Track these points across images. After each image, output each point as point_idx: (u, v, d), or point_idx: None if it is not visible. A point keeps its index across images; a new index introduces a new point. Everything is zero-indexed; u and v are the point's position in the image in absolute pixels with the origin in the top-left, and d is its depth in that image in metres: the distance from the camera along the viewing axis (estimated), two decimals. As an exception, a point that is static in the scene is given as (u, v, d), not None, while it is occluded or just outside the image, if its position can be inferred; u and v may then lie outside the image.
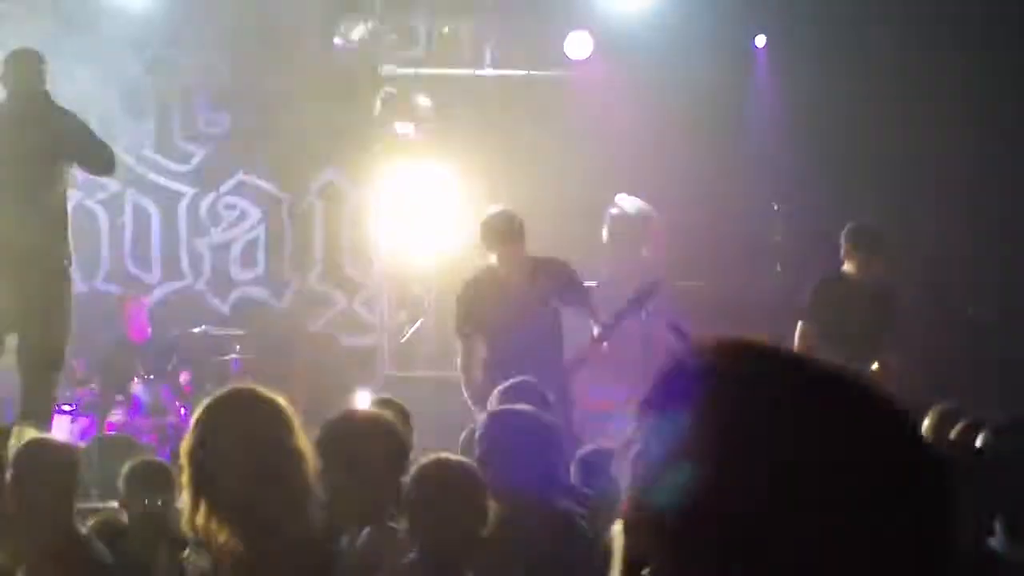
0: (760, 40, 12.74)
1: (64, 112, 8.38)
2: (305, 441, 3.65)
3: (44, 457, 5.23)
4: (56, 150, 8.18)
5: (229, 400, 3.74)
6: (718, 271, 11.95)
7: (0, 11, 11.42)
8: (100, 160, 8.48)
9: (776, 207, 12.47)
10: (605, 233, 12.27)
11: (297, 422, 3.69)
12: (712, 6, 12.13)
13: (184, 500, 3.65)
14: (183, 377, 11.23)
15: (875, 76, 11.88)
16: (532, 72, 12.59)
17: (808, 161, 12.12)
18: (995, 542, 4.46)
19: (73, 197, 9.63)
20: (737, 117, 12.59)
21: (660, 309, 8.98)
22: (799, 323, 8.90)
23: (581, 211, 12.11)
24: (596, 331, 8.66)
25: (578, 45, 12.53)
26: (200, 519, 3.58)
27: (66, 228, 8.34)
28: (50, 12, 11.44)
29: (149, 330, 11.55)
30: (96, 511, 6.39)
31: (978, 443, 5.05)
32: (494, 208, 8.92)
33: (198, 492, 3.57)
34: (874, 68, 11.89)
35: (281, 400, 3.71)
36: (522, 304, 8.41)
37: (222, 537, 3.57)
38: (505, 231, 8.59)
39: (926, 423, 6.23)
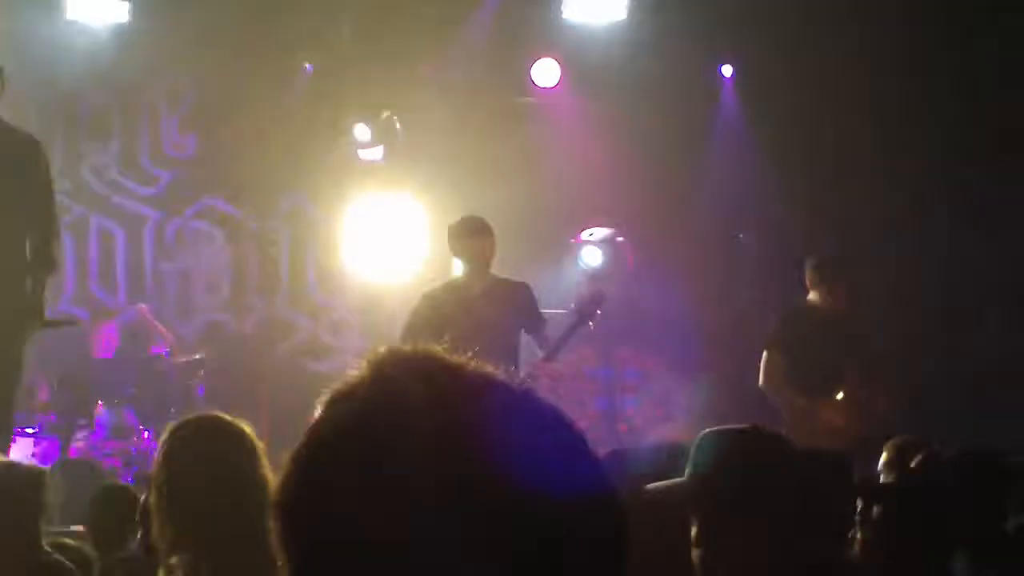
0: (727, 70, 12.79)
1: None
2: (269, 469, 3.64)
3: (10, 481, 5.20)
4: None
5: (194, 426, 3.74)
6: (684, 297, 11.98)
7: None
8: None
9: (739, 236, 12.52)
10: (580, 262, 12.33)
11: (261, 449, 3.68)
12: (679, 33, 12.17)
13: (150, 524, 3.64)
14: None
15: (842, 103, 11.93)
16: (500, 100, 12.60)
17: (774, 188, 12.17)
18: (957, 569, 4.48)
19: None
20: (702, 144, 12.63)
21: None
22: (765, 354, 8.91)
23: (549, 238, 12.15)
24: (542, 354, 8.72)
25: (545, 72, 12.56)
26: (164, 544, 3.57)
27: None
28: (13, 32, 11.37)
29: (113, 351, 11.51)
30: (61, 535, 6.35)
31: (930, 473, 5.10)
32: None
33: (162, 517, 3.57)
34: (842, 95, 11.94)
35: (246, 427, 3.71)
36: (481, 318, 8.38)
37: (184, 563, 3.56)
38: (474, 226, 8.60)
39: (883, 455, 6.24)
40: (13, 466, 5.58)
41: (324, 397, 1.40)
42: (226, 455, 3.60)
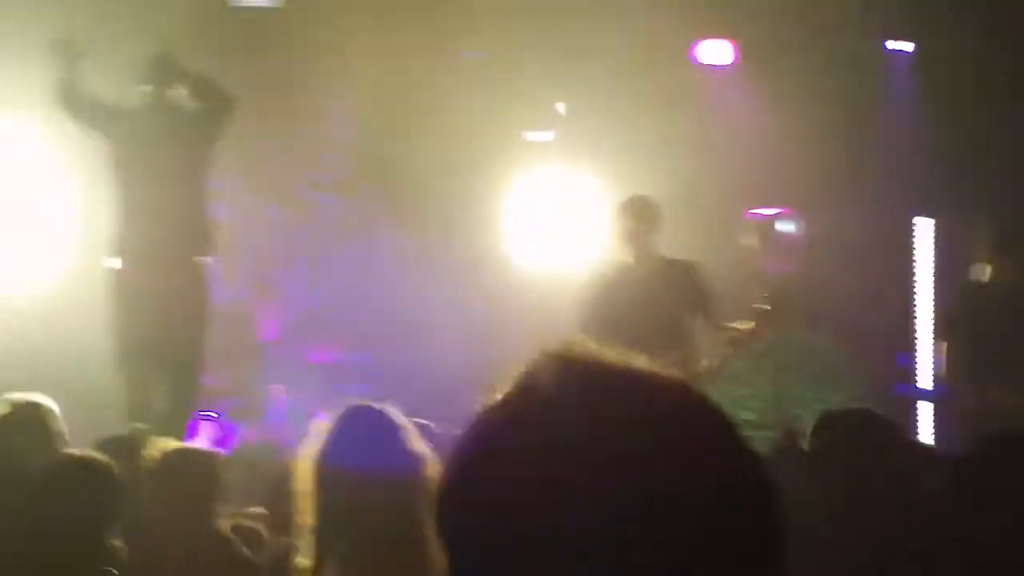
0: (896, 45, 12.56)
1: None
2: (426, 458, 3.66)
3: (187, 466, 5.32)
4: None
5: (350, 415, 3.78)
6: (853, 284, 11.83)
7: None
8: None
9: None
10: (744, 242, 12.22)
11: (416, 438, 3.70)
12: (847, 7, 11.98)
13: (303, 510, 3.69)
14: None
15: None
16: (668, 77, 12.50)
17: (950, 169, 11.96)
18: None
19: (213, 207, 9.79)
20: (873, 122, 12.44)
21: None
22: (946, 342, 8.68)
23: (719, 217, 12.06)
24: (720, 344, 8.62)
25: (715, 50, 12.47)
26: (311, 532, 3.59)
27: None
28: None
29: (280, 333, 11.64)
30: (239, 516, 6.49)
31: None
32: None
33: (316, 507, 3.60)
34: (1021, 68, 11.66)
35: (400, 415, 3.74)
36: (650, 301, 8.33)
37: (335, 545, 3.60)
38: (640, 206, 8.56)
39: None
40: (191, 451, 5.72)
41: (489, 394, 1.42)
42: (381, 447, 3.64)
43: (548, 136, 12.55)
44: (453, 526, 1.35)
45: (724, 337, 8.91)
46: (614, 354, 1.39)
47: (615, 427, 1.30)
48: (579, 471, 1.28)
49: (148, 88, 8.56)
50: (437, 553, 1.36)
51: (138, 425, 7.52)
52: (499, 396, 1.39)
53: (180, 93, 8.61)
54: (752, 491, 1.32)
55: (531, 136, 12.55)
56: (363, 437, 3.68)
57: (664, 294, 8.42)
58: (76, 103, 8.46)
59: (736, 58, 12.43)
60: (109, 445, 5.94)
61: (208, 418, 10.71)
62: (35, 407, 5.59)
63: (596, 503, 1.27)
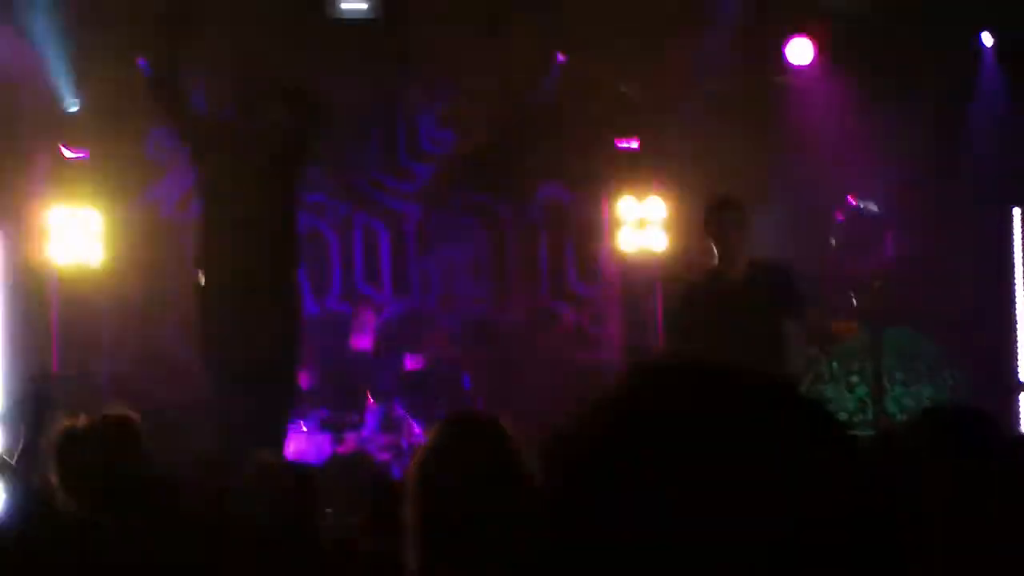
0: (987, 38, 12.42)
1: None
2: (527, 466, 3.66)
3: (282, 482, 5.35)
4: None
5: (451, 424, 3.79)
6: (949, 279, 11.72)
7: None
8: None
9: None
10: (835, 240, 12.12)
11: (519, 446, 3.70)
12: (934, 2, 11.87)
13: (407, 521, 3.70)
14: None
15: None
16: (754, 79, 12.44)
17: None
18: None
19: (304, 219, 9.87)
20: (961, 118, 12.31)
21: None
22: None
23: (805, 218, 11.99)
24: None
25: (799, 51, 12.39)
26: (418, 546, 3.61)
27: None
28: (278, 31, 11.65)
29: (373, 341, 11.67)
30: (335, 528, 6.52)
31: None
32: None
33: (419, 518, 3.61)
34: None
35: (502, 423, 3.73)
36: (741, 307, 8.26)
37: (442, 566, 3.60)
38: (729, 207, 8.49)
39: None
40: (285, 467, 5.75)
41: (586, 402, 1.41)
42: (482, 453, 3.64)
43: (634, 143, 12.52)
44: (555, 535, 1.34)
45: (818, 337, 8.84)
46: (713, 362, 1.38)
47: (722, 440, 1.29)
48: (682, 488, 1.27)
49: (242, 102, 8.59)
50: (540, 556, 1.35)
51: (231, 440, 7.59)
52: (597, 407, 1.38)
53: (274, 107, 8.62)
54: (869, 504, 1.30)
55: (622, 143, 12.52)
56: (466, 444, 3.68)
57: (758, 297, 8.34)
58: (176, 108, 8.48)
59: (820, 56, 12.33)
60: (203, 461, 5.98)
61: (304, 430, 10.79)
62: (125, 422, 5.63)
63: (705, 519, 1.26)
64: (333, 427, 10.93)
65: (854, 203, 12.12)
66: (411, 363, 11.63)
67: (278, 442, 8.21)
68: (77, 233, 11.82)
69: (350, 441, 10.93)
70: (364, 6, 11.56)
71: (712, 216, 8.55)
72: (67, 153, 11.95)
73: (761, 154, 11.75)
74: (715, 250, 8.54)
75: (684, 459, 1.28)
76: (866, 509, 1.29)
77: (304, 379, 10.17)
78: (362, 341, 11.62)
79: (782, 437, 1.31)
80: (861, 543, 1.28)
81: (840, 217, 12.21)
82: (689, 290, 8.68)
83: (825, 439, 1.32)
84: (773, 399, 1.34)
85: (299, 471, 5.68)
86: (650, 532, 1.27)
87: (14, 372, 11.22)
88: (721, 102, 12.08)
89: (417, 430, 10.71)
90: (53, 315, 12.10)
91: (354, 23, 11.74)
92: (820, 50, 12.32)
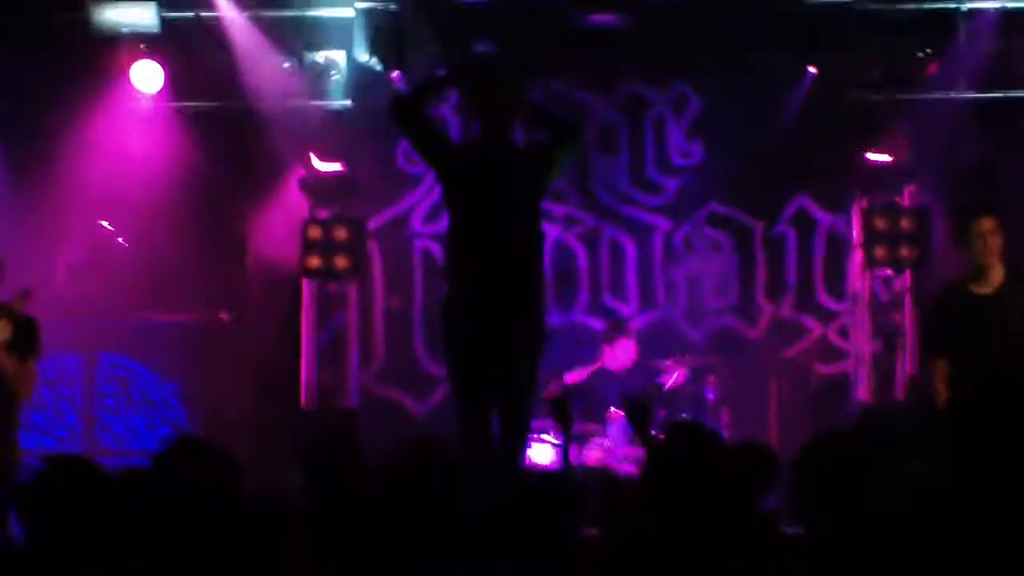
0: None
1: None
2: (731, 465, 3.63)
3: (548, 490, 5.36)
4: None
5: (672, 435, 3.78)
6: None
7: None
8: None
9: None
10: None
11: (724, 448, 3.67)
12: None
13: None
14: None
15: None
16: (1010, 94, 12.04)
17: None
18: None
19: (552, 233, 9.92)
20: None
21: None
22: None
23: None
24: None
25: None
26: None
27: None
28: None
29: (631, 364, 11.63)
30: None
31: None
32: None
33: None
34: None
35: (718, 436, 3.71)
36: (999, 321, 8.04)
37: None
38: (983, 217, 8.28)
39: None
40: (543, 475, 5.76)
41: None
42: (701, 459, 3.64)
43: (886, 158, 12.27)
44: None
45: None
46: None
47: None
48: None
49: (487, 119, 8.53)
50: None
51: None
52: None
53: (521, 124, 8.60)
54: None
55: (872, 156, 12.29)
56: (687, 452, 3.69)
57: (1018, 306, 8.12)
58: (419, 133, 8.49)
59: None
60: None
61: (546, 441, 10.84)
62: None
63: None
64: (576, 438, 10.93)
65: None
66: (659, 377, 11.56)
67: (521, 453, 8.25)
68: (330, 243, 12.07)
69: (593, 452, 10.94)
70: (612, 18, 11.55)
71: (966, 225, 8.36)
72: (319, 164, 12.21)
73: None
74: (971, 259, 8.34)
75: None
76: None
77: (547, 390, 10.20)
78: (618, 362, 11.57)
79: None
80: None
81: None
82: (945, 301, 8.49)
83: None
84: None
85: (556, 480, 5.69)
86: None
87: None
88: (976, 111, 11.75)
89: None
90: (304, 323, 12.41)
91: (602, 35, 11.73)
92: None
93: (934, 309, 8.80)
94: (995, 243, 8.24)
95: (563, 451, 7.25)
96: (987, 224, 8.29)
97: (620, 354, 11.52)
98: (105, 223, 12.12)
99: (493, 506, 5.25)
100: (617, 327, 11.77)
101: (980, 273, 8.30)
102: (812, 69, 12.10)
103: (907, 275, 12.30)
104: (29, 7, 10.87)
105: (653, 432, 10.81)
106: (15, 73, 11.17)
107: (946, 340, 8.41)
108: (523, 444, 8.32)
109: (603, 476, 9.72)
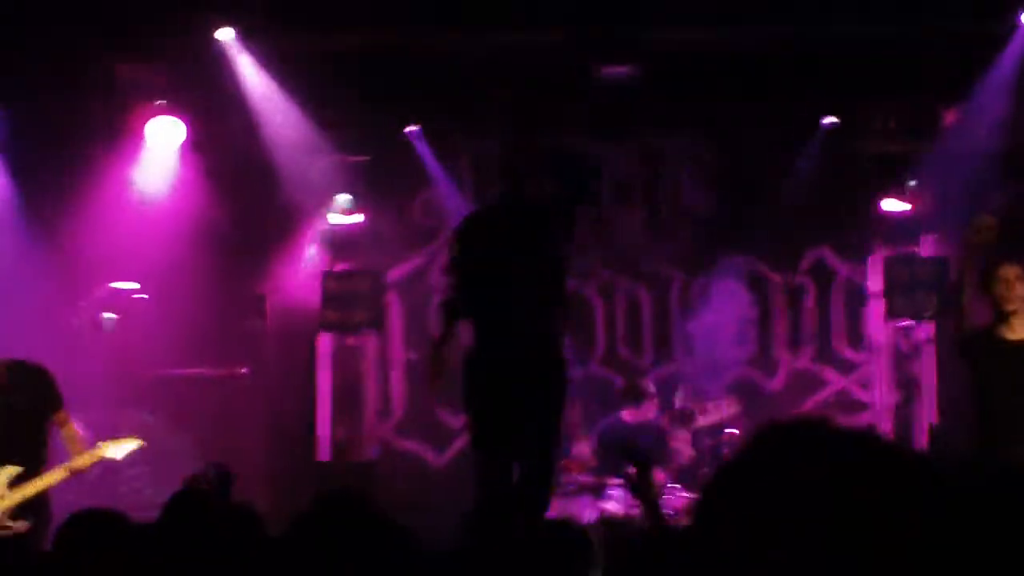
0: None
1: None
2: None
3: (560, 542, 5.35)
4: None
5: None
6: None
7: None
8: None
9: None
10: None
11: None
12: None
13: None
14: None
15: None
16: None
17: None
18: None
19: (569, 284, 9.86)
20: None
21: None
22: None
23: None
24: None
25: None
26: None
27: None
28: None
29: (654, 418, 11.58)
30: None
31: None
32: None
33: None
34: None
35: None
36: None
37: None
38: (1009, 260, 8.24)
39: None
40: (562, 527, 5.75)
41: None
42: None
43: (905, 207, 12.27)
44: None
45: None
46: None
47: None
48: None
49: (506, 179, 8.47)
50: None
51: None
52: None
53: (541, 182, 8.55)
54: None
55: (887, 204, 12.30)
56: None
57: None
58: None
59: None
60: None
61: (568, 492, 10.81)
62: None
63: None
64: (593, 490, 10.90)
65: None
66: (675, 434, 11.50)
67: (542, 503, 8.21)
68: (348, 295, 12.11)
69: (612, 503, 10.91)
70: (624, 69, 11.59)
71: (990, 272, 8.34)
72: (337, 218, 12.25)
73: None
74: (996, 306, 8.31)
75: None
76: None
77: (567, 443, 10.18)
78: (636, 418, 11.52)
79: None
80: None
81: None
82: (967, 350, 8.45)
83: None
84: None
85: (574, 531, 5.67)
86: None
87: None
88: (998, 160, 11.73)
89: (680, 495, 10.64)
90: (319, 376, 12.43)
91: (615, 85, 11.76)
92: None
93: (956, 358, 8.74)
94: (1019, 289, 8.22)
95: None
96: (1012, 271, 8.28)
97: (643, 413, 11.45)
98: (122, 284, 12.10)
99: (504, 554, 5.25)
100: (641, 391, 11.60)
101: (1006, 319, 8.28)
102: (830, 119, 12.12)
103: (927, 325, 12.28)
104: (55, 59, 10.91)
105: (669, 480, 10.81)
106: (39, 125, 11.23)
107: (970, 390, 8.38)
108: (545, 494, 8.29)
109: (622, 526, 9.67)
